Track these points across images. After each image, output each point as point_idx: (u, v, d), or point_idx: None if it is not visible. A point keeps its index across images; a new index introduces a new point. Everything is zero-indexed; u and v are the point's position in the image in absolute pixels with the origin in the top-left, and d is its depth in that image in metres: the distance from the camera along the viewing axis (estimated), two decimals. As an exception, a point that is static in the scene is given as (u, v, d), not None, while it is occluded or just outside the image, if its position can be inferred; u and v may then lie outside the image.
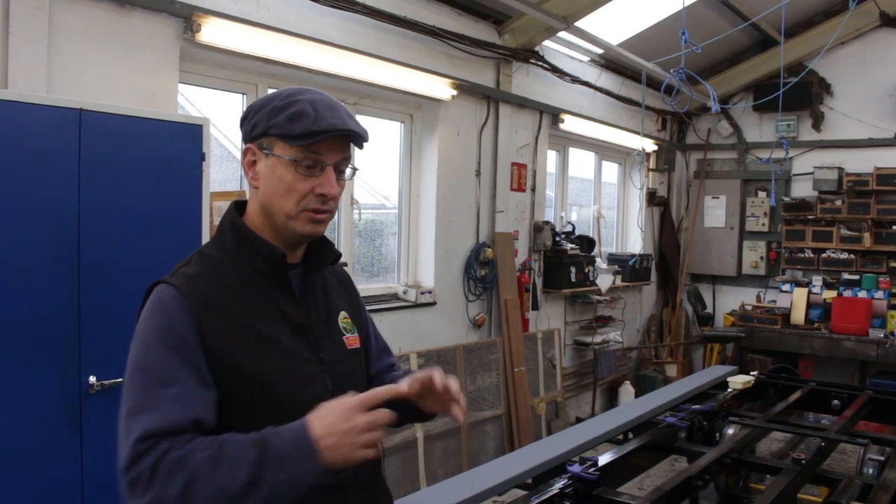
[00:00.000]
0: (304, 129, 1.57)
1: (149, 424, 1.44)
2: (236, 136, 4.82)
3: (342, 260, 1.92)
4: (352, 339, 1.83)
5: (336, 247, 1.82)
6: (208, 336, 1.54)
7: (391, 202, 6.12)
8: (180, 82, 4.16)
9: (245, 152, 1.67)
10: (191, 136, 3.52)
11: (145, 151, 3.38)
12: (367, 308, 6.06)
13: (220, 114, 4.88)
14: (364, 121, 5.64)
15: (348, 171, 1.70)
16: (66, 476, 3.21)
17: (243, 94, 4.80)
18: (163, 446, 1.41)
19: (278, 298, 1.66)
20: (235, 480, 1.38)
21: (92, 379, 3.25)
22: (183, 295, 1.56)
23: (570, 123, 7.51)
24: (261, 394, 1.56)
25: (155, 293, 1.60)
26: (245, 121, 1.67)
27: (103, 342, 3.29)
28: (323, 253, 1.78)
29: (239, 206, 1.73)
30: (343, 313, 1.85)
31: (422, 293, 5.88)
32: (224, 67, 4.57)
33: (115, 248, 3.31)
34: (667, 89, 5.64)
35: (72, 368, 3.21)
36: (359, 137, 1.65)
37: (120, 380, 3.28)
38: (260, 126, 1.62)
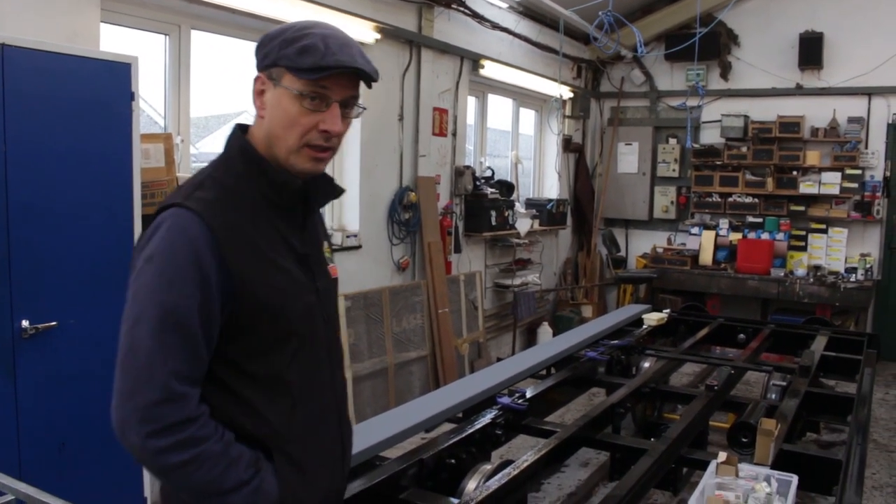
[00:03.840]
0: (313, 63, 1.56)
1: (173, 375, 1.48)
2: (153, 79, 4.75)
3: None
4: (333, 269, 1.89)
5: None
6: (231, 265, 1.53)
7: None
8: (102, 21, 4.05)
9: (255, 80, 1.65)
10: (119, 74, 3.46)
11: (73, 90, 3.31)
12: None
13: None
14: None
15: (356, 109, 1.68)
16: (1, 422, 3.18)
17: (166, 34, 4.70)
18: (187, 410, 1.48)
19: (284, 228, 1.66)
20: (225, 482, 1.53)
21: (25, 323, 3.22)
22: (205, 222, 1.52)
23: (489, 69, 7.58)
24: (271, 323, 1.60)
25: (172, 218, 1.53)
26: (258, 49, 1.66)
27: (35, 285, 3.25)
28: (327, 186, 1.77)
29: (243, 129, 1.71)
30: (325, 243, 1.90)
31: (347, 237, 5.93)
32: (147, 7, 4.45)
33: (45, 189, 3.25)
34: (598, 27, 5.74)
35: (3, 313, 3.17)
36: (368, 76, 1.64)
37: (54, 323, 3.29)
38: (271, 56, 1.61)
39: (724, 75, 9.24)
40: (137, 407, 1.45)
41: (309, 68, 1.57)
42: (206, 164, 1.73)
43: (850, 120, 8.53)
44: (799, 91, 8.84)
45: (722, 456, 2.62)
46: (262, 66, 1.64)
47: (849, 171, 8.46)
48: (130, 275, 1.54)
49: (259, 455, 1.60)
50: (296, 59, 1.58)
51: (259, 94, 1.65)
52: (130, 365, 1.48)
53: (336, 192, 1.79)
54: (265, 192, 1.64)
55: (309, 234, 1.76)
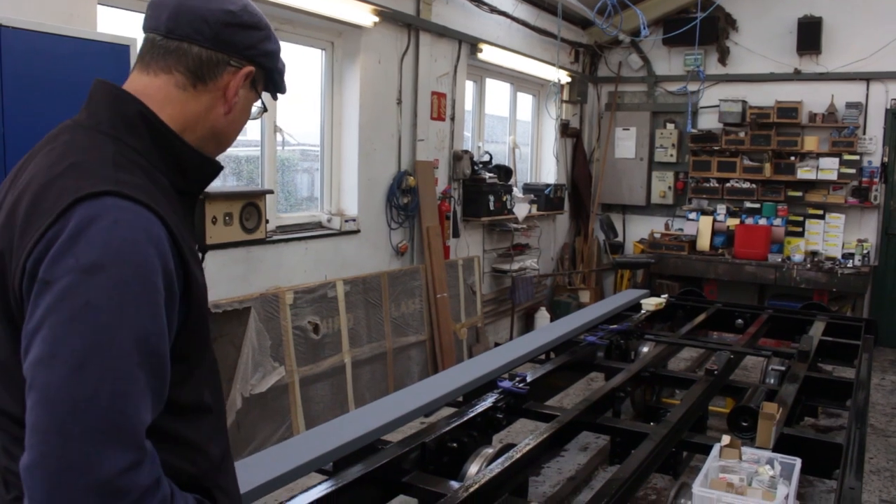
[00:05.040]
0: (285, 89, 1.53)
1: (145, 426, 1.13)
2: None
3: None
4: None
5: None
6: (188, 266, 1.24)
7: (296, 139, 6.02)
8: (99, 3, 4.00)
9: (242, 73, 1.40)
10: (118, 56, 3.42)
11: (71, 71, 3.28)
12: (293, 236, 5.96)
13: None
14: (285, 47, 5.54)
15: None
16: None
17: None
18: (157, 467, 1.14)
19: (185, 215, 1.38)
20: None
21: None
22: (158, 215, 1.19)
23: (487, 53, 7.54)
24: (200, 334, 1.32)
25: (116, 212, 1.15)
26: (245, 29, 1.39)
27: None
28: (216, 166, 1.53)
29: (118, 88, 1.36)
30: None
31: (346, 221, 5.90)
32: (144, -13, 4.41)
33: (43, 172, 3.22)
34: (600, 11, 5.75)
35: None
36: None
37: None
38: (253, 51, 1.41)
39: (722, 60, 9.21)
40: (101, 481, 1.06)
41: (282, 92, 1.52)
42: (74, 129, 1.32)
43: (849, 105, 8.52)
44: (797, 76, 8.82)
45: (725, 439, 2.62)
46: (246, 56, 1.41)
47: (846, 157, 8.45)
48: (41, 293, 1.10)
49: (201, 500, 1.31)
50: (280, 76, 1.49)
51: (239, 84, 1.41)
52: (84, 425, 1.06)
53: (218, 170, 1.51)
54: (170, 173, 1.34)
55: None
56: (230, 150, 5.66)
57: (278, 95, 1.54)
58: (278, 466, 2.61)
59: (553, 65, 8.19)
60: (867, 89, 8.50)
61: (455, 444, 3.22)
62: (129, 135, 1.29)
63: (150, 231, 1.16)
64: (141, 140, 1.30)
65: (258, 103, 1.49)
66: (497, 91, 8.67)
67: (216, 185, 5.24)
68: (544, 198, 8.66)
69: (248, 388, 4.69)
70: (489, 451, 3.21)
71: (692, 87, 8.81)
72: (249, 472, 2.53)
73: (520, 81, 8.88)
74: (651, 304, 5.83)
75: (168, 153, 1.33)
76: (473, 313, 7.37)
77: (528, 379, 3.88)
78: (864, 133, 8.53)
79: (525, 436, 3.34)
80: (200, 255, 1.42)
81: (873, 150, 8.51)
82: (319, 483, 2.65)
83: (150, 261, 1.14)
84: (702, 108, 9.35)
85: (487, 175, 7.58)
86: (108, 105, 1.31)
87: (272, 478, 2.52)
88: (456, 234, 7.20)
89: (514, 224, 8.01)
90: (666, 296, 6.21)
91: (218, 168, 1.44)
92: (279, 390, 4.94)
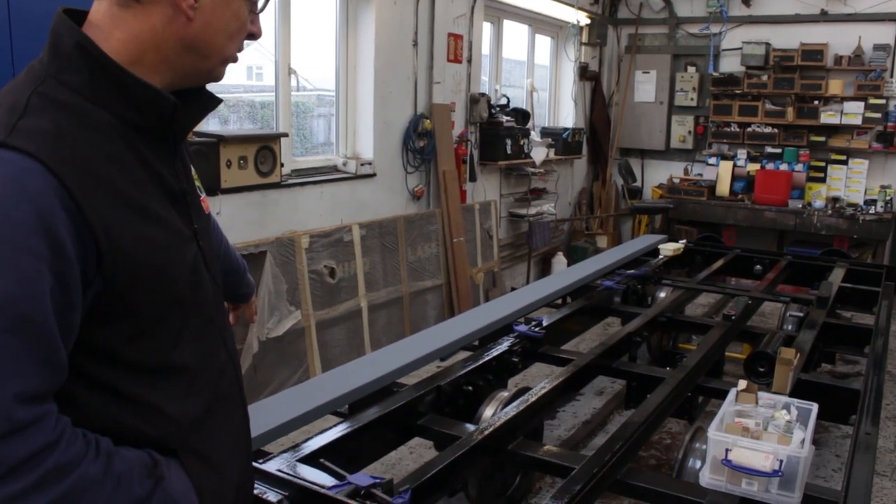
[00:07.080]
0: None
1: (18, 398, 1.02)
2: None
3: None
4: (205, 202, 1.47)
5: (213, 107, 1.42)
6: (94, 222, 1.09)
7: (312, 84, 5.94)
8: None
9: None
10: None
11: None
12: (308, 180, 5.90)
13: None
14: (299, -13, 5.45)
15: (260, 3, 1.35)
16: None
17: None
18: (42, 436, 1.04)
19: (151, 157, 1.24)
20: None
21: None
22: (48, 168, 1.06)
23: (505, -7, 7.40)
24: (153, 292, 1.20)
25: None
26: None
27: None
28: (202, 98, 1.36)
29: (74, 17, 1.21)
30: (192, 168, 1.44)
31: (361, 165, 5.86)
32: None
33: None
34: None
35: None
36: None
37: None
38: None
39: (746, 1, 8.95)
40: None
41: None
42: (27, 69, 1.21)
43: (876, 48, 8.29)
44: (823, 17, 8.57)
45: (742, 384, 2.60)
46: None
47: (872, 101, 8.26)
48: None
49: (155, 457, 1.22)
50: None
51: None
52: None
53: (213, 103, 1.38)
54: (122, 110, 1.19)
55: (181, 162, 1.35)
56: (244, 95, 5.61)
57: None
58: (294, 408, 2.62)
59: (572, 6, 8.03)
60: (897, 31, 8.28)
61: (470, 388, 3.23)
62: (67, 71, 1.16)
63: (26, 185, 1.04)
64: (79, 75, 1.16)
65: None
66: (515, 35, 8.52)
67: (231, 129, 5.20)
68: (562, 142, 8.57)
69: (265, 331, 4.71)
70: (504, 394, 3.22)
71: (714, 28, 8.62)
72: (266, 413, 2.55)
73: (538, 23, 8.71)
74: (669, 249, 5.78)
75: (115, 87, 1.17)
76: (490, 258, 7.36)
77: (544, 323, 3.88)
78: (892, 76, 8.33)
79: (540, 380, 3.34)
80: (172, 197, 1.29)
81: (900, 93, 8.32)
82: (335, 425, 2.66)
83: (19, 221, 1.03)
84: (724, 50, 9.15)
85: (505, 118, 7.49)
86: (50, 40, 1.19)
87: (288, 419, 2.54)
88: (473, 178, 7.14)
89: (531, 168, 7.94)
90: (684, 241, 6.16)
91: (169, 102, 1.23)
92: (295, 334, 4.97)
